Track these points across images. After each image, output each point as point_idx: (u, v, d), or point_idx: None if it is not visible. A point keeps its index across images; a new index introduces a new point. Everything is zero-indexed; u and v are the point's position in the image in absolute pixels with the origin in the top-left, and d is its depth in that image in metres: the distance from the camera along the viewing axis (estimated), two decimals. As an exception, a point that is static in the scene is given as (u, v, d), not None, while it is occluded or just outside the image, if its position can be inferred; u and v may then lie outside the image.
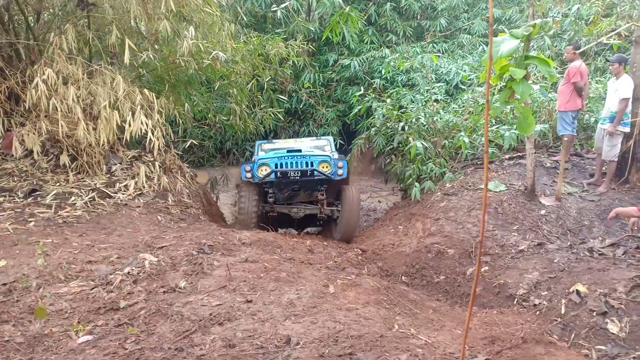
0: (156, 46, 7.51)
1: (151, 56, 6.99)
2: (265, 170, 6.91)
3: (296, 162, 6.89)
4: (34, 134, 5.55)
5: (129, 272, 3.97)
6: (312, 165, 6.86)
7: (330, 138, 8.48)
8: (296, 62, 10.12)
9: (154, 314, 3.38)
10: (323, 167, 6.86)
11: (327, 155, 7.01)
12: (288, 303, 3.70)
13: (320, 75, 11.41)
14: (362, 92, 9.10)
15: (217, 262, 4.36)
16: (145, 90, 6.35)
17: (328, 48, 11.91)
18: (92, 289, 3.70)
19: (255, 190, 7.12)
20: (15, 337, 3.04)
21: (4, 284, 3.67)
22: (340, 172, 6.87)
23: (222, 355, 2.89)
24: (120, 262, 4.18)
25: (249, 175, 6.99)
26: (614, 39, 6.36)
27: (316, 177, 6.84)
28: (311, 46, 10.53)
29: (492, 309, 4.73)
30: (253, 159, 7.57)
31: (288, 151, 7.10)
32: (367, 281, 4.37)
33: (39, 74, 5.47)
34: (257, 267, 4.39)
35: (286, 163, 6.88)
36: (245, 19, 10.17)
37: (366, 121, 9.47)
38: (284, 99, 10.32)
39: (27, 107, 5.67)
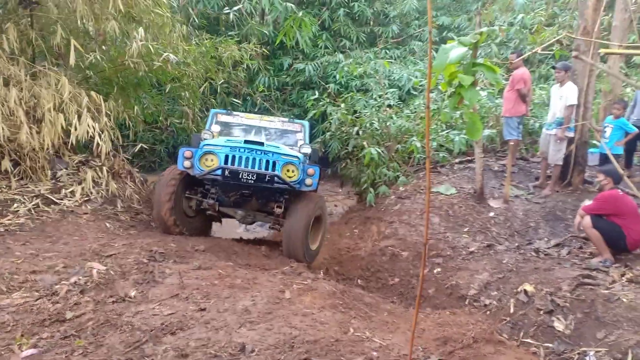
0: (104, 47, 7.28)
1: (99, 57, 6.76)
2: (212, 161, 5.32)
3: (253, 160, 5.26)
4: (-29, 138, 5.24)
5: (75, 282, 3.80)
6: (273, 167, 5.26)
7: (306, 124, 6.73)
8: (250, 65, 10.06)
9: (102, 324, 3.25)
10: (288, 172, 5.32)
11: (296, 157, 5.37)
12: (243, 310, 3.65)
13: (275, 79, 11.38)
14: (316, 96, 9.14)
15: (169, 269, 4.25)
16: (93, 93, 6.14)
17: (282, 52, 11.90)
18: (37, 300, 3.52)
19: (176, 178, 5.54)
20: (-50, 354, 2.85)
21: (-61, 298, 3.44)
22: (308, 181, 5.37)
23: (175, 366, 2.81)
24: (66, 271, 4.00)
25: (187, 164, 5.39)
26: (556, 48, 6.69)
27: (275, 186, 5.34)
28: (265, 50, 10.49)
29: (445, 310, 4.85)
30: (201, 139, 5.85)
31: (246, 142, 5.36)
32: (323, 285, 4.37)
33: (-23, 75, 5.18)
34: (211, 274, 4.32)
35: (240, 158, 5.25)
36: (197, 20, 10.02)
37: (321, 125, 9.52)
38: (238, 103, 10.23)
39: (-37, 110, 5.35)
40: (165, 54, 7.27)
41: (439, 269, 5.44)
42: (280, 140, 6.31)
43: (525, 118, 7.84)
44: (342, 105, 8.70)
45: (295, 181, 5.31)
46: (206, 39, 9.00)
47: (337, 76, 10.36)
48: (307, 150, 5.84)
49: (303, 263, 5.12)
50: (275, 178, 5.27)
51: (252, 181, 5.24)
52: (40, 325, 3.25)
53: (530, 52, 5.12)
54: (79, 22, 6.41)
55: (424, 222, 6.17)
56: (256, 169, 5.27)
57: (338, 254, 6.20)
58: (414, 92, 10.64)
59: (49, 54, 6.48)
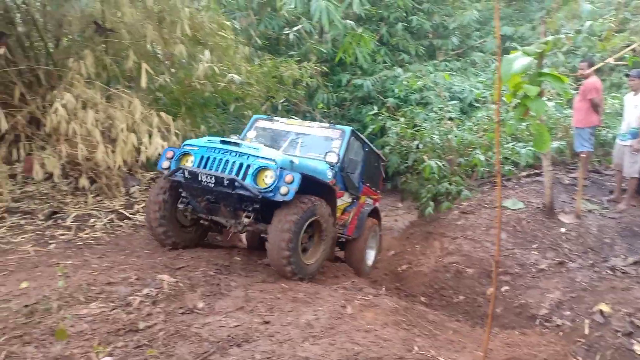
0: (172, 70, 7.65)
1: (167, 80, 7.12)
2: (189, 162, 4.85)
3: (226, 162, 4.63)
4: (54, 157, 5.65)
5: (147, 294, 3.98)
6: (246, 170, 4.55)
7: (348, 130, 5.82)
8: (309, 83, 10.22)
9: (172, 335, 3.37)
10: (263, 177, 4.55)
11: (272, 160, 4.57)
12: (306, 324, 3.67)
13: (334, 95, 11.48)
14: (375, 111, 9.13)
15: (235, 282, 4.35)
16: (162, 113, 6.45)
17: (341, 68, 12.02)
18: (112, 310, 3.70)
19: (166, 186, 5.03)
20: (37, 359, 3.05)
21: (26, 306, 3.70)
22: (284, 190, 4.40)
23: (241, 378, 2.86)
24: (139, 283, 4.19)
25: (165, 164, 4.90)
26: (629, 55, 6.34)
27: (236, 192, 4.52)
28: (324, 67, 10.63)
29: (514, 330, 4.66)
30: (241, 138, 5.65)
31: (222, 142, 4.80)
32: (385, 302, 4.33)
33: (58, 99, 5.60)
34: (274, 287, 4.38)
35: (213, 160, 4.69)
36: (259, 41, 10.33)
37: (380, 140, 9.49)
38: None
39: (47, 132, 5.79)
40: (230, 75, 7.54)
41: (507, 287, 5.24)
42: (315, 148, 5.69)
43: (597, 128, 7.45)
44: (402, 119, 8.64)
45: (265, 188, 4.47)
46: (268, 59, 9.26)
47: (396, 90, 10.31)
48: (333, 158, 5.22)
49: (293, 279, 4.54)
50: (235, 183, 4.48)
51: (212, 185, 4.55)
52: (115, 334, 3.42)
53: (602, 63, 4.88)
54: (149, 46, 6.81)
55: (489, 238, 5.97)
56: (226, 171, 4.59)
57: (399, 270, 6.11)
58: (476, 104, 10.40)
59: (122, 77, 6.91)
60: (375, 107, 9.50)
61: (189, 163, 4.81)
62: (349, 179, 5.80)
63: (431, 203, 6.96)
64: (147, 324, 3.50)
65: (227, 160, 4.64)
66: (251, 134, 6.02)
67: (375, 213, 6.83)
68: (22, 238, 5.04)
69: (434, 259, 5.88)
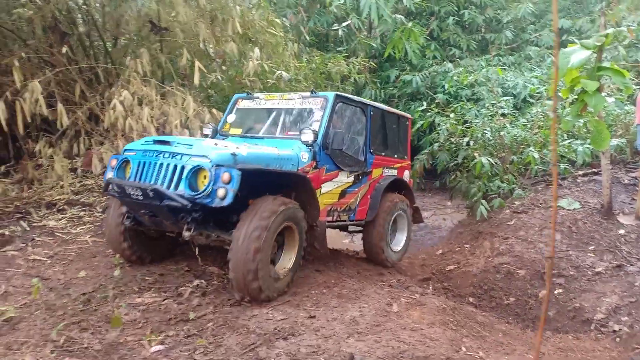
0: (224, 67, 7.81)
1: (219, 77, 7.28)
2: (129, 171, 4.08)
3: (160, 166, 3.87)
4: (111, 152, 5.90)
5: (198, 285, 4.10)
6: (180, 172, 3.77)
7: (331, 96, 4.83)
8: (357, 79, 10.18)
9: (221, 326, 3.46)
10: (202, 179, 3.77)
11: (205, 156, 3.75)
12: (351, 320, 3.68)
13: (382, 91, 11.40)
14: (424, 107, 8.98)
15: (281, 277, 4.41)
16: (214, 110, 6.60)
17: (389, 64, 11.90)
18: (164, 300, 3.85)
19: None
20: (93, 344, 3.21)
21: (84, 294, 3.90)
22: (221, 192, 3.61)
23: (287, 370, 2.91)
24: (190, 274, 4.33)
25: (109, 176, 4.15)
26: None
27: (165, 203, 3.71)
28: (372, 63, 10.56)
29: (567, 334, 4.49)
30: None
31: (155, 142, 4.11)
32: (433, 301, 4.27)
33: (116, 96, 5.84)
34: (320, 282, 4.41)
35: (148, 165, 3.94)
36: (307, 38, 10.38)
37: (429, 137, 9.33)
38: (346, 116, 10.37)
39: (105, 127, 6.05)
40: (278, 72, 7.62)
41: (560, 290, 5.05)
42: (298, 125, 4.87)
43: (661, 125, 7.03)
44: (452, 115, 8.46)
45: (199, 193, 3.65)
46: (316, 56, 9.29)
47: (446, 86, 10.11)
48: (308, 136, 4.43)
49: (260, 298, 3.79)
50: (161, 194, 3.68)
51: (141, 197, 3.79)
52: (167, 323, 3.55)
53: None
54: (201, 45, 6.98)
55: (542, 239, 5.77)
56: (160, 177, 3.82)
57: (447, 269, 5.99)
58: (531, 100, 10.04)
59: (176, 75, 7.12)
60: (425, 103, 9.35)
61: (128, 172, 4.06)
62: (343, 155, 4.86)
63: (483, 202, 6.76)
64: (197, 314, 3.61)
65: (162, 164, 3.85)
66: (231, 117, 5.40)
67: (401, 186, 5.90)
68: (81, 229, 5.30)
69: (483, 259, 5.73)
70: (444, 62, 11.54)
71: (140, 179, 3.90)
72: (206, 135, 5.18)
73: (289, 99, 5.08)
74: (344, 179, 4.97)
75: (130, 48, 7.21)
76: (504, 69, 10.82)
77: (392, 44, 6.87)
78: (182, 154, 3.83)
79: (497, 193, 7.06)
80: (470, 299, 5.26)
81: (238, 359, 3.02)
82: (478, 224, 6.73)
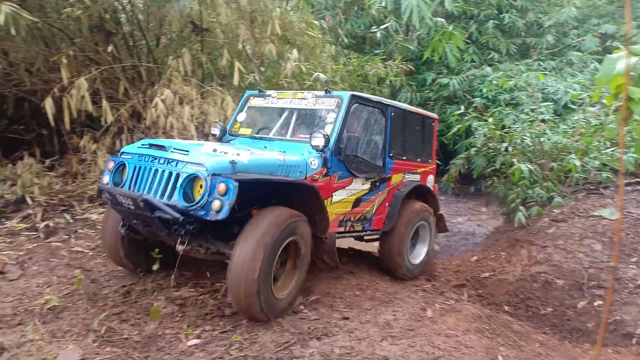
0: (261, 68, 7.90)
1: (257, 78, 7.36)
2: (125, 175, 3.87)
3: (155, 172, 3.62)
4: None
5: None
6: (175, 180, 3.49)
7: (346, 96, 4.40)
8: (393, 81, 10.13)
9: (255, 323, 3.50)
10: (198, 188, 3.46)
11: (201, 164, 3.43)
12: (385, 323, 3.67)
13: (418, 94, 11.30)
14: (461, 111, 8.86)
15: (315, 276, 4.43)
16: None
17: (426, 67, 11.79)
18: (201, 295, 3.92)
19: None
20: (133, 336, 3.30)
21: (124, 286, 4.02)
22: (216, 205, 3.29)
23: (321, 370, 2.92)
24: (224, 271, 4.39)
25: (105, 180, 3.94)
26: None
27: (156, 216, 3.39)
28: (410, 66, 10.48)
29: (607, 347, 4.35)
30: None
31: (151, 146, 3.82)
32: (468, 308, 4.21)
33: (158, 94, 5.97)
34: (353, 284, 4.41)
35: (144, 170, 3.69)
36: (345, 40, 10.39)
37: (465, 141, 9.19)
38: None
39: (147, 125, 6.19)
40: (316, 74, 7.65)
41: (600, 302, 4.89)
42: (310, 126, 4.52)
43: None
44: (490, 119, 8.31)
45: (193, 204, 3.35)
46: (353, 58, 9.29)
47: (484, 90, 9.94)
48: (319, 140, 4.05)
49: (260, 321, 3.50)
50: (151, 205, 3.38)
51: (132, 207, 3.53)
52: (203, 318, 3.62)
53: None
54: (240, 46, 7.07)
55: (582, 249, 5.60)
56: (154, 185, 3.56)
57: (482, 276, 5.88)
58: (572, 106, 9.77)
59: (216, 75, 7.23)
60: (462, 107, 9.21)
61: (125, 175, 3.84)
62: (357, 160, 4.47)
63: (522, 208, 6.61)
64: (233, 310, 3.66)
65: (157, 170, 3.60)
66: (241, 116, 5.08)
67: (424, 192, 5.50)
68: (122, 223, 5.43)
69: (520, 267, 5.60)
70: (483, 66, 11.36)
71: (135, 185, 3.66)
72: (214, 135, 4.90)
73: (302, 98, 4.70)
74: (359, 186, 4.57)
75: (172, 48, 7.36)
76: (545, 74, 10.57)
77: (431, 46, 6.78)
78: (178, 161, 3.54)
79: (536, 200, 6.89)
80: (506, 308, 5.15)
81: (272, 356, 3.05)
82: (515, 231, 6.58)
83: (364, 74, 9.15)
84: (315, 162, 4.11)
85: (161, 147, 3.70)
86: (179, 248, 3.53)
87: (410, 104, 10.91)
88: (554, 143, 7.38)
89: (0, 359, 2.88)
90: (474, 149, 8.43)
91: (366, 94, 4.84)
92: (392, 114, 4.91)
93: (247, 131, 4.88)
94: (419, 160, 5.42)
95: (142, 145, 3.86)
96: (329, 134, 4.18)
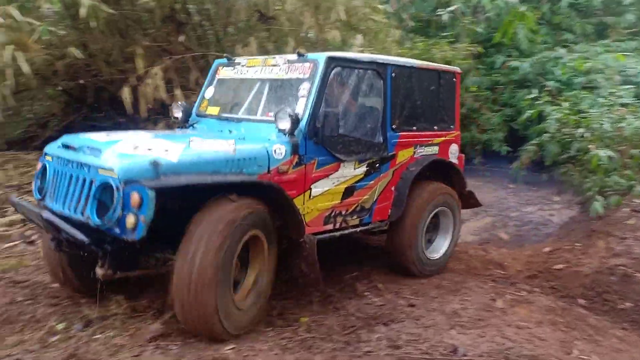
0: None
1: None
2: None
3: (70, 179, 3.00)
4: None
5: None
6: (89, 189, 2.85)
7: (321, 60, 3.51)
8: (460, 65, 9.81)
9: (321, 307, 3.56)
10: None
11: (110, 169, 2.74)
12: (452, 312, 3.62)
13: (486, 78, 10.89)
14: (534, 95, 8.43)
15: (380, 263, 4.44)
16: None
17: (495, 49, 11.32)
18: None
19: None
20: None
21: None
22: (130, 221, 2.63)
23: (389, 355, 2.93)
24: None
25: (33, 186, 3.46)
26: None
27: (64, 237, 2.86)
28: (479, 49, 10.11)
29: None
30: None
31: (64, 146, 3.17)
32: (541, 299, 4.06)
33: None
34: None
35: (61, 176, 3.09)
36: (410, 24, 10.17)
37: (537, 127, 8.77)
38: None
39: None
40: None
41: (687, 299, 4.56)
42: (282, 101, 3.67)
43: None
44: (564, 104, 7.86)
45: (104, 220, 2.71)
46: (418, 42, 9.10)
47: (559, 72, 9.41)
48: (285, 123, 3.24)
49: (220, 337, 2.89)
50: (52, 223, 2.78)
51: (40, 223, 3.01)
52: (273, 299, 3.70)
53: None
54: (304, 32, 7.10)
55: (667, 241, 5.23)
56: (68, 195, 2.97)
57: (555, 268, 5.62)
58: (657, 90, 9.07)
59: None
60: (535, 91, 8.77)
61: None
62: (344, 140, 3.62)
63: (599, 198, 6.23)
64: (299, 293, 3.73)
65: (71, 176, 2.98)
66: (209, 92, 4.22)
67: (443, 168, 4.56)
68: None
69: (597, 259, 5.30)
70: (556, 48, 10.76)
71: (54, 194, 3.08)
72: (176, 119, 4.12)
73: (273, 65, 3.83)
74: (350, 171, 3.74)
75: (239, 37, 7.51)
76: (625, 55, 9.87)
77: (502, 28, 6.52)
78: (90, 165, 2.86)
79: (614, 190, 6.48)
80: (581, 301, 4.89)
81: (340, 338, 3.09)
82: (591, 221, 6.22)
83: (430, 58, 8.93)
84: (281, 150, 3.29)
85: (71, 147, 3.06)
86: (98, 272, 2.89)
87: (478, 89, 10.55)
88: (635, 128, 6.89)
89: (87, 331, 3.08)
90: (546, 135, 8.03)
91: (352, 53, 3.92)
92: (393, 74, 3.96)
93: (215, 110, 4.03)
94: (436, 127, 4.44)
95: (63, 142, 3.19)
96: (299, 112, 3.40)
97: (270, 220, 3.16)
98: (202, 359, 2.70)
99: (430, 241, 4.52)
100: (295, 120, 3.27)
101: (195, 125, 4.07)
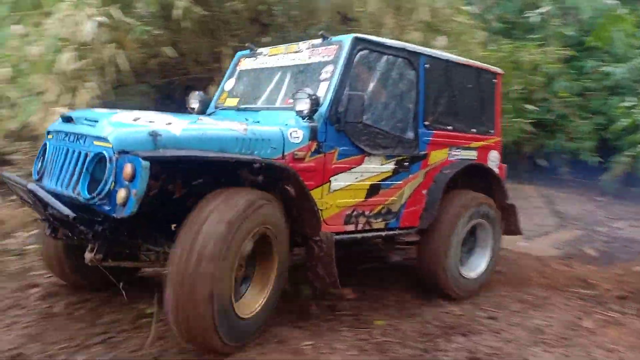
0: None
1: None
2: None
3: (66, 153, 2.79)
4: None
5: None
6: (83, 162, 2.63)
7: (347, 40, 3.27)
8: (549, 69, 9.33)
9: (395, 312, 3.52)
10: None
11: (104, 139, 2.50)
12: (535, 328, 3.47)
13: (575, 83, 10.28)
14: (630, 103, 7.86)
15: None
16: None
17: (586, 53, 10.66)
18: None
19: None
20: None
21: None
22: (121, 195, 2.33)
23: (468, 366, 2.85)
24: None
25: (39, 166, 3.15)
26: None
27: (50, 212, 2.59)
28: (570, 51, 9.56)
29: None
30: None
31: (63, 119, 2.92)
32: (634, 322, 3.78)
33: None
34: (501, 283, 4.23)
35: (59, 152, 2.87)
36: (496, 25, 9.82)
37: (630, 137, 8.18)
38: (536, 108, 9.44)
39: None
40: (462, 61, 7.35)
41: None
42: (306, 86, 3.21)
43: None
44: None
45: (93, 195, 2.46)
46: (504, 44, 8.77)
47: (659, 79, 8.72)
48: (304, 104, 2.95)
49: (218, 351, 2.55)
50: (38, 196, 2.55)
51: (30, 202, 2.88)
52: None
53: None
54: (385, 33, 7.04)
55: None
56: (64, 169, 2.75)
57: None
58: None
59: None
60: (629, 99, 8.18)
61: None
62: (370, 130, 3.32)
63: None
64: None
65: (67, 150, 2.78)
66: (229, 84, 4.03)
67: (482, 176, 4.17)
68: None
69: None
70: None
71: (51, 172, 2.87)
72: (192, 109, 3.91)
73: (296, 52, 3.60)
74: (375, 167, 3.39)
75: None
76: None
77: (596, 32, 6.13)
78: (86, 136, 2.65)
79: None
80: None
81: (416, 344, 3.04)
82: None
83: (516, 61, 8.58)
84: (298, 134, 3.01)
85: (70, 120, 2.86)
86: (87, 257, 2.68)
87: (567, 95, 9.95)
88: None
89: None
90: (643, 146, 7.47)
91: (379, 38, 3.52)
92: (427, 65, 3.65)
93: (234, 102, 3.84)
94: (473, 130, 4.06)
95: (61, 118, 2.98)
96: (319, 94, 3.09)
97: (282, 215, 2.82)
98: (282, 352, 2.74)
99: (466, 257, 4.02)
100: (315, 102, 2.95)
101: (211, 115, 3.83)
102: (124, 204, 2.31)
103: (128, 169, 2.32)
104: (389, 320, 3.39)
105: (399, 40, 7.24)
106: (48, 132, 3.10)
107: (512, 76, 8.49)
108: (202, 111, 3.88)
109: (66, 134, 2.84)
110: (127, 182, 2.32)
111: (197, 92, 3.94)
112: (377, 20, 7.13)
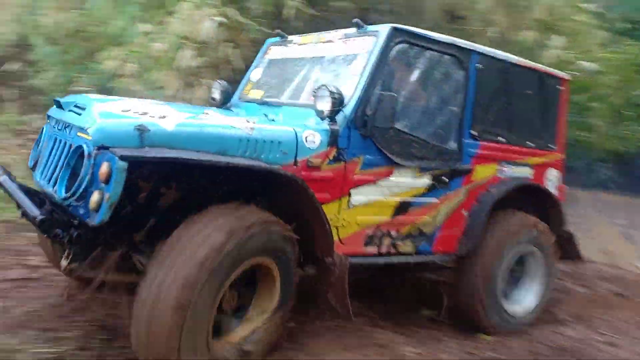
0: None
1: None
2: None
3: (55, 144, 2.47)
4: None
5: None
6: (67, 155, 2.28)
7: (384, 31, 2.77)
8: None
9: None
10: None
11: (84, 130, 2.12)
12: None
13: None
14: None
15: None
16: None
17: None
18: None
19: None
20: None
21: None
22: (94, 200, 1.96)
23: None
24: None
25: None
26: None
27: (22, 212, 2.30)
28: None
29: None
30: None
31: (56, 105, 2.67)
32: None
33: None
34: (623, 305, 3.93)
35: (51, 142, 2.55)
36: (619, 26, 9.03)
37: None
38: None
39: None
40: (578, 62, 6.85)
41: None
42: (333, 81, 2.77)
43: None
44: None
45: (65, 196, 2.15)
46: (628, 45, 8.04)
47: None
48: (325, 103, 2.52)
49: None
50: (8, 191, 2.40)
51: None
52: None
53: None
54: (489, 33, 6.72)
55: None
56: (48, 164, 2.46)
57: None
58: None
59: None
60: None
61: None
62: (403, 137, 2.84)
63: None
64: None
65: (57, 141, 2.46)
66: (256, 73, 3.59)
67: (537, 198, 3.60)
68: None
69: None
70: None
71: (41, 162, 2.60)
72: (214, 100, 3.52)
73: (328, 41, 3.16)
74: (407, 181, 2.91)
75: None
76: None
77: None
78: (72, 126, 2.31)
79: None
80: None
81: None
82: None
83: (641, 64, 7.84)
84: (314, 138, 2.55)
85: (59, 105, 2.59)
86: (62, 264, 2.33)
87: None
88: None
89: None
90: None
91: (423, 30, 3.00)
92: (479, 65, 3.15)
93: (258, 94, 3.42)
94: (530, 144, 3.52)
95: (55, 102, 2.73)
96: (345, 92, 2.61)
97: (288, 237, 2.36)
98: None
99: (511, 290, 3.47)
100: (339, 101, 2.51)
101: (232, 108, 3.43)
102: (97, 210, 1.96)
103: (104, 168, 1.95)
104: (499, 337, 3.22)
105: (511, 40, 7.02)
106: (48, 117, 2.78)
107: (637, 80, 7.80)
108: (224, 102, 3.50)
109: (57, 121, 2.52)
110: (102, 184, 1.97)
111: (219, 82, 3.53)
112: (488, 18, 6.85)
